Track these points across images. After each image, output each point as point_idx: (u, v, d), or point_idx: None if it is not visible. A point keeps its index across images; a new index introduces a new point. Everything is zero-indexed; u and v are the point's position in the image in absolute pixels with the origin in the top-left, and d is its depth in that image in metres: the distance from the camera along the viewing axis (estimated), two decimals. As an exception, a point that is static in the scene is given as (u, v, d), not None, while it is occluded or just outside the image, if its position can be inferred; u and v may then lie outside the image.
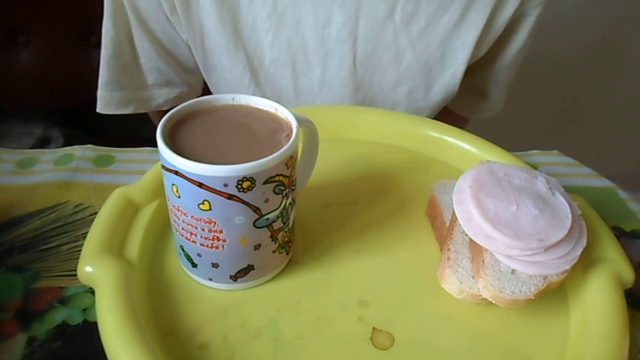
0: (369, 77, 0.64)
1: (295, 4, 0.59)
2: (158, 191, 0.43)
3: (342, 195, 0.49)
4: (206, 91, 0.72)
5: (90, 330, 0.37)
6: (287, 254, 0.41)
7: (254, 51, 0.62)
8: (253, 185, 0.33)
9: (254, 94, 0.40)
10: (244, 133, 0.37)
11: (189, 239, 0.36)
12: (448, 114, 0.75)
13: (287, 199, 0.37)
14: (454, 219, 0.41)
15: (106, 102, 0.65)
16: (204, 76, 0.67)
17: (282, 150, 0.34)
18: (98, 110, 0.66)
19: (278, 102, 0.39)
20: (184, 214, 0.35)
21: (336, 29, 0.60)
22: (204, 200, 0.33)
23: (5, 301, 0.40)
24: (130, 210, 0.42)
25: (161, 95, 0.67)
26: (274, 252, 0.38)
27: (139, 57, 0.64)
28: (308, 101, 0.66)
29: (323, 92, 0.65)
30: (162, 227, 0.43)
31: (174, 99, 0.68)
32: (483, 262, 0.37)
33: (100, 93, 0.65)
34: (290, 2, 0.59)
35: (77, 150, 0.55)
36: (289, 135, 0.36)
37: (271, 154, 0.33)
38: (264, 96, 0.40)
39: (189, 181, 0.33)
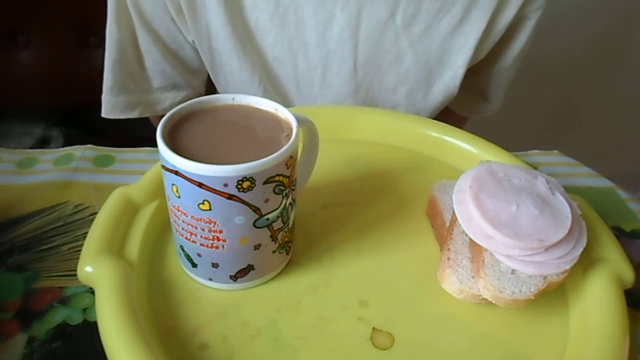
0: (369, 79, 0.64)
1: (297, 6, 0.59)
2: (158, 191, 0.43)
3: (342, 195, 0.49)
4: (208, 92, 0.72)
5: (90, 330, 0.37)
6: (287, 254, 0.41)
7: (258, 51, 0.62)
8: (253, 185, 0.33)
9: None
10: (244, 133, 0.37)
11: (189, 239, 0.36)
12: (448, 112, 0.76)
13: (287, 199, 0.37)
14: (454, 219, 0.41)
15: (111, 107, 0.64)
16: (211, 77, 0.66)
17: (282, 150, 0.34)
18: (103, 115, 0.65)
19: (278, 101, 0.39)
20: (184, 214, 0.35)
21: (338, 31, 0.60)
22: (204, 200, 0.33)
23: (5, 301, 0.40)
24: (130, 210, 0.42)
25: (167, 99, 0.67)
26: (274, 252, 0.38)
27: (144, 60, 0.64)
28: (308, 101, 0.66)
29: (323, 92, 0.65)
30: (162, 227, 0.43)
31: (180, 102, 0.67)
32: (483, 262, 0.37)
33: (105, 98, 0.64)
34: (292, 4, 0.58)
35: (77, 150, 0.55)
36: (289, 135, 0.36)
37: (271, 154, 0.33)
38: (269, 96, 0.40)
39: (189, 181, 0.33)
